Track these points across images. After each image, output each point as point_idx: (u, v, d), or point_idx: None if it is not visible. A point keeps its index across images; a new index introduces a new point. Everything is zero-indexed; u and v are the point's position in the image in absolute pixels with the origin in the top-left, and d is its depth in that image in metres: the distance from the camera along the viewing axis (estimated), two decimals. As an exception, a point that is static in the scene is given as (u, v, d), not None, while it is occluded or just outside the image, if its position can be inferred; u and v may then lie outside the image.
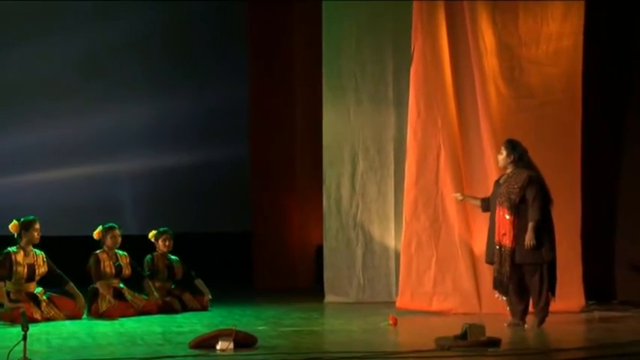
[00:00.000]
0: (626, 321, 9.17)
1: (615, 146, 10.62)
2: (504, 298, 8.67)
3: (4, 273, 9.23)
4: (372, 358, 6.84)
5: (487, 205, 8.90)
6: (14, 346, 6.51)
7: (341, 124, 11.09)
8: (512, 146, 8.70)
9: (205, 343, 7.24)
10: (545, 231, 8.56)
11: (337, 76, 11.07)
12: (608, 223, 10.61)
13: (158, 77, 13.23)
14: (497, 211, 8.63)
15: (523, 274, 8.60)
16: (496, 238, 8.58)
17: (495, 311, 9.16)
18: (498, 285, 8.61)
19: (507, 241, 8.53)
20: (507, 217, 8.54)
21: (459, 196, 9.35)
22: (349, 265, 11.05)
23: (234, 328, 7.27)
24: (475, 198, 9.20)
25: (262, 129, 12.91)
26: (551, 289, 8.62)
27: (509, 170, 8.71)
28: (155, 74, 13.24)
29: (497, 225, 8.61)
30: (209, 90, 13.33)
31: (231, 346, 7.12)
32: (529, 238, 8.45)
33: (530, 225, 8.48)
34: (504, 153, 8.70)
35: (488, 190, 9.02)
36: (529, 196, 8.52)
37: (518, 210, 8.55)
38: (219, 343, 7.14)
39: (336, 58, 11.05)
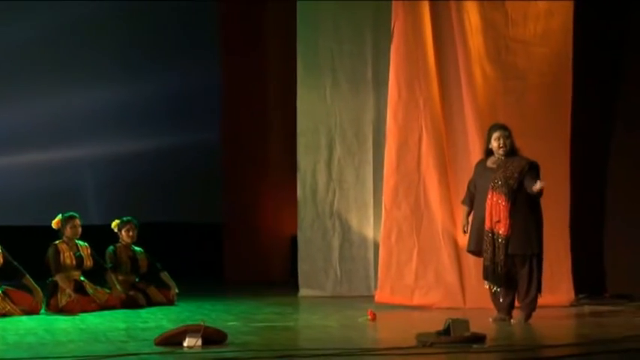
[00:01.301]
0: (617, 315, 9.19)
1: (605, 132, 10.62)
2: (499, 289, 8.60)
3: (-43, 266, 9.16)
4: (349, 355, 6.81)
5: (472, 201, 8.82)
6: (-34, 343, 6.45)
7: (317, 107, 11.06)
8: (510, 131, 8.68)
9: (172, 340, 7.19)
10: (535, 222, 8.55)
11: (313, 55, 11.03)
12: (598, 213, 10.62)
13: (123, 58, 13.15)
14: (489, 197, 8.57)
15: (512, 266, 8.58)
16: (487, 225, 8.54)
17: (480, 306, 9.16)
18: (490, 275, 8.57)
19: (502, 229, 8.49)
20: (503, 203, 8.50)
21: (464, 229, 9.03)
22: (325, 256, 11.04)
23: (202, 323, 7.23)
24: (467, 211, 9.01)
25: (234, 113, 12.88)
26: (538, 284, 8.61)
27: (503, 156, 8.64)
28: (120, 55, 13.16)
29: (489, 211, 8.56)
30: (178, 71, 13.27)
31: (200, 342, 7.07)
32: (540, 184, 8.37)
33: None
34: (508, 137, 8.62)
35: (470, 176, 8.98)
36: (530, 180, 8.48)
37: (515, 197, 8.52)
38: (187, 339, 7.09)
39: (312, 36, 11.01)
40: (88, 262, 9.83)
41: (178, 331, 7.25)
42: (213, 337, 7.24)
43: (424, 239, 9.84)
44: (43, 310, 9.49)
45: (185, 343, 7.07)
